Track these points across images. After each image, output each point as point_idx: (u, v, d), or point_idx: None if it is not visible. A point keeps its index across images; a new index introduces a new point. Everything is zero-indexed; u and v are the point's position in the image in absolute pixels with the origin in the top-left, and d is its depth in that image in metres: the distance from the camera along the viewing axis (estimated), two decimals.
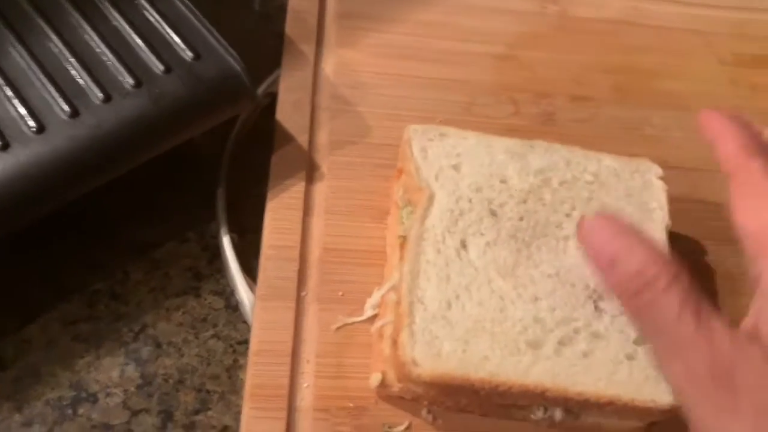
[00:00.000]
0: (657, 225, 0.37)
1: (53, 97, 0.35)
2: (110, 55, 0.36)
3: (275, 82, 0.45)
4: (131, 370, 0.36)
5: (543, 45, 0.49)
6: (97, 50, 0.37)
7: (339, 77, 0.46)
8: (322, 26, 0.48)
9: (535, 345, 0.32)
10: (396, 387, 0.33)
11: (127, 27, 0.38)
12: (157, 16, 0.38)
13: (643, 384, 0.32)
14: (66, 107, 0.34)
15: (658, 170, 0.39)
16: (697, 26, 0.52)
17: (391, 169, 0.41)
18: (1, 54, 0.35)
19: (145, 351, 0.37)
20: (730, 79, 0.51)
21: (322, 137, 0.43)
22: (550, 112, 0.47)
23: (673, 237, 0.42)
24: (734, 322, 0.39)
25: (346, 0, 0.49)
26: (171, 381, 0.36)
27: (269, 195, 0.40)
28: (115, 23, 0.38)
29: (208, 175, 0.42)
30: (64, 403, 0.35)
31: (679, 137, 0.47)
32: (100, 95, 0.35)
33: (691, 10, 0.53)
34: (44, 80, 0.35)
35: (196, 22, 0.39)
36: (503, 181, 0.37)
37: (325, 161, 0.42)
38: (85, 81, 0.35)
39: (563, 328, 0.32)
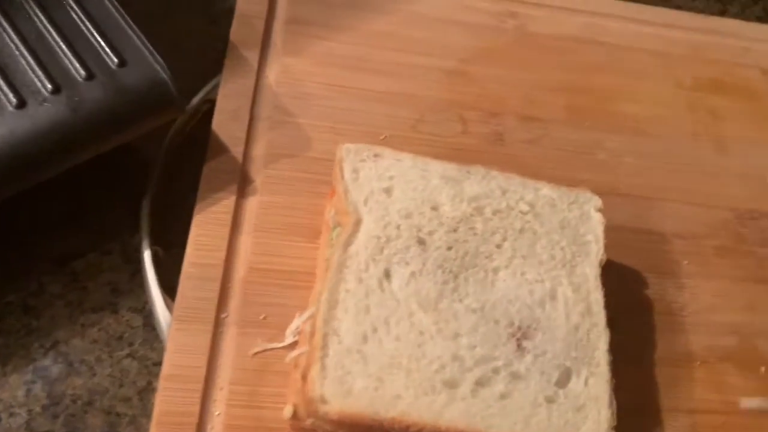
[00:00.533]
0: (590, 259, 0.36)
1: None
2: (29, 58, 0.35)
3: (216, 89, 0.43)
4: (38, 389, 0.35)
5: (497, 61, 0.48)
6: (15, 52, 0.35)
7: (282, 86, 0.44)
8: (269, 32, 0.46)
9: (451, 384, 0.31)
10: (309, 421, 0.32)
11: (50, 27, 0.36)
12: (83, 18, 0.36)
13: (562, 428, 0.30)
14: None
15: (597, 202, 0.38)
16: (657, 47, 0.51)
17: (329, 185, 0.39)
18: None
19: (55, 369, 0.35)
20: (688, 104, 0.49)
21: (259, 149, 0.41)
22: (500, 132, 0.45)
23: (615, 267, 0.41)
24: (669, 360, 0.39)
25: (297, 5, 0.47)
26: (80, 402, 0.35)
27: (197, 209, 0.38)
28: (37, 23, 0.36)
29: (138, 183, 0.40)
30: None
31: (631, 163, 0.46)
32: (14, 100, 0.33)
33: (652, 29, 0.52)
34: None
35: (125, 25, 0.37)
36: (434, 208, 0.35)
37: (259, 175, 0.40)
38: (6, 90, 0.34)
39: (482, 367, 0.31)
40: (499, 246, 0.35)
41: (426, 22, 0.49)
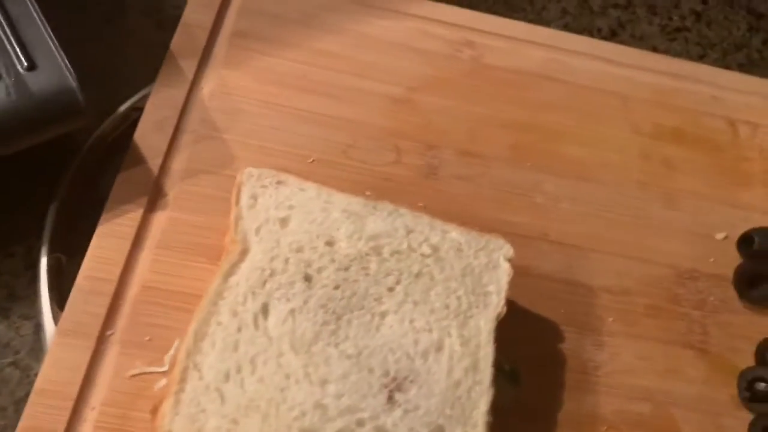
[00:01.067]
0: (488, 312, 0.34)
1: None
2: None
3: (147, 97, 0.43)
4: None
5: (446, 91, 0.47)
6: None
7: (215, 100, 0.43)
8: (212, 43, 0.45)
9: None
10: None
11: None
12: None
13: None
14: None
15: (508, 251, 0.36)
16: (620, 89, 0.49)
17: None
18: None
19: None
20: (642, 151, 0.47)
21: (179, 163, 0.40)
22: (434, 166, 0.44)
23: (533, 318, 0.40)
24: (573, 421, 0.37)
25: (246, 18, 0.47)
26: None
27: (102, 219, 0.38)
28: None
29: (51, 186, 0.40)
30: None
31: (568, 209, 0.44)
32: None
33: (618, 70, 0.50)
34: None
35: (42, 28, 0.36)
36: (329, 244, 0.34)
37: (173, 189, 0.39)
38: None
39: (346, 418, 0.30)
40: (391, 289, 0.33)
41: (377, 45, 0.47)
